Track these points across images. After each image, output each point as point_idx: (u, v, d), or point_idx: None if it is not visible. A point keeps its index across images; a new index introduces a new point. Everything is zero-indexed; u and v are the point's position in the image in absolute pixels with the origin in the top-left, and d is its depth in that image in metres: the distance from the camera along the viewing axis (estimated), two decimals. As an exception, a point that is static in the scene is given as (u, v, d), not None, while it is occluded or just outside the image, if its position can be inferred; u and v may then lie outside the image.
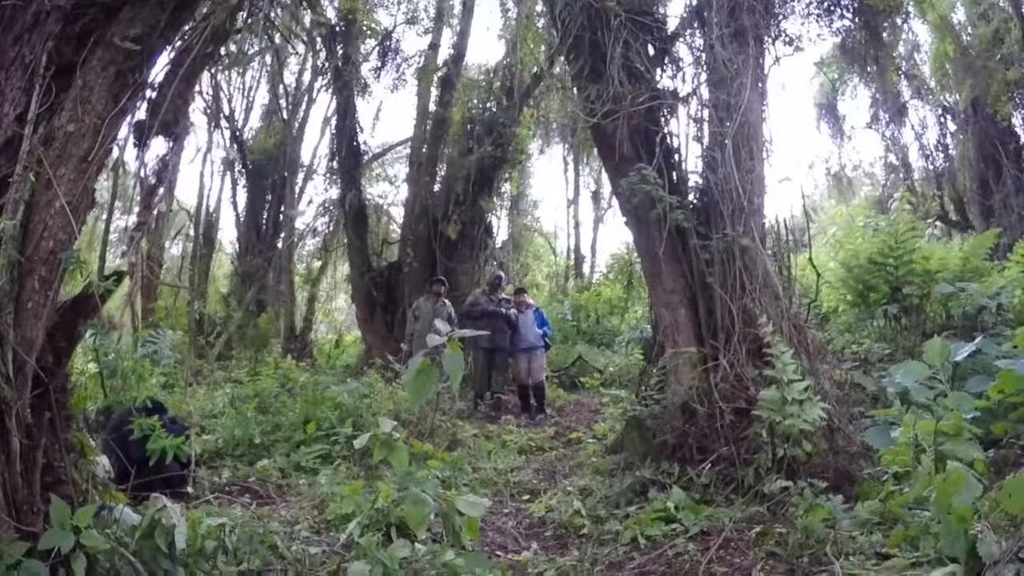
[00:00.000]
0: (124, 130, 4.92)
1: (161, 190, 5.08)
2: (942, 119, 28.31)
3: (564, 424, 13.47)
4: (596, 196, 37.97)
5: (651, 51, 9.44)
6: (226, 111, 27.39)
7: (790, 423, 6.67)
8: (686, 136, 9.22)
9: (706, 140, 8.79)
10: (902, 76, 28.39)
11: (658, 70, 9.48)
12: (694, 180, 8.96)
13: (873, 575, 4.73)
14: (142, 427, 5.58)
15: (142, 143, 5.04)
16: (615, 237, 71.18)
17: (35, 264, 4.30)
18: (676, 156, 9.12)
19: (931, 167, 29.04)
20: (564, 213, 51.91)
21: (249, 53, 26.30)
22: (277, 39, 24.39)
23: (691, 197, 8.83)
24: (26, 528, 4.14)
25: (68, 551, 4.17)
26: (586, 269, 36.31)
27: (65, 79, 4.61)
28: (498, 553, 6.44)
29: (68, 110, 4.51)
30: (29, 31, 4.50)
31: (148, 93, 5.03)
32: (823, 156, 34.22)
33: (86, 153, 4.50)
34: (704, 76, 9.19)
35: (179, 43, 5.23)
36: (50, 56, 4.52)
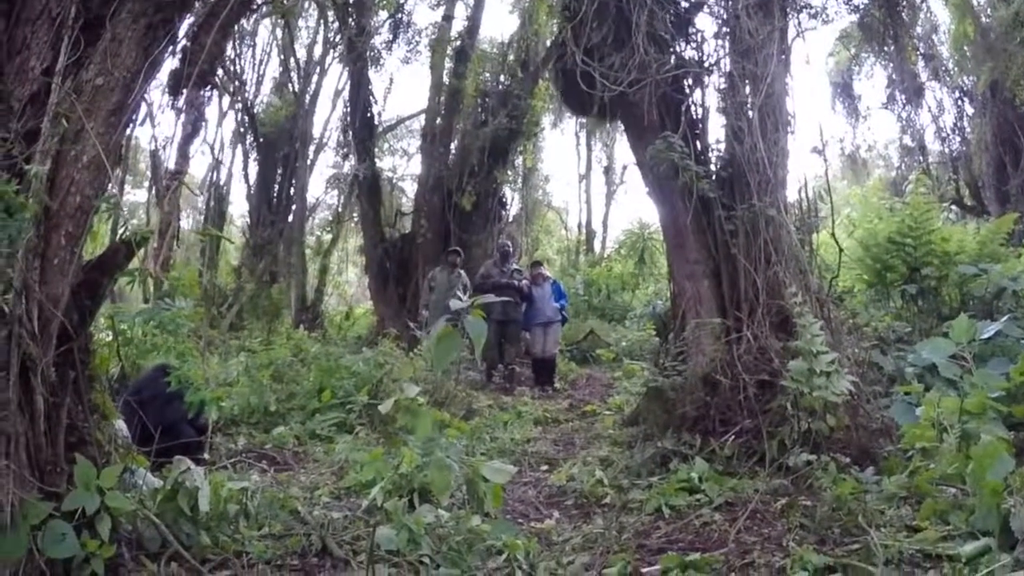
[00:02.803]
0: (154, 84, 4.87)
1: (197, 140, 5.01)
2: (959, 102, 27.98)
3: (578, 397, 13.47)
4: (608, 171, 37.93)
5: (674, 20, 9.33)
6: (237, 81, 27.26)
7: (818, 395, 6.59)
8: (705, 107, 9.18)
9: (731, 111, 8.68)
10: (920, 57, 28.10)
11: (681, 40, 9.39)
12: (718, 151, 8.87)
13: (906, 547, 4.66)
14: (179, 379, 5.55)
15: (177, 92, 4.97)
16: (626, 213, 71.33)
17: (62, 219, 4.24)
18: (700, 126, 9.03)
19: (947, 150, 28.75)
20: (575, 188, 51.85)
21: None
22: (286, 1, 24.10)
23: (715, 167, 8.74)
24: (49, 488, 4.09)
25: (93, 512, 4.13)
26: (597, 245, 36.31)
27: (93, 32, 4.53)
28: (520, 521, 6.40)
29: (96, 63, 4.44)
30: (57, -17, 4.42)
31: (183, 43, 4.96)
32: (837, 135, 33.78)
33: (115, 107, 4.43)
34: (728, 46, 9.08)
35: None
36: (78, 9, 4.44)
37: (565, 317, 15.67)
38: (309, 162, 27.50)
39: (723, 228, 8.25)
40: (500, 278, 14.34)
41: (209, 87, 5.07)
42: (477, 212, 20.22)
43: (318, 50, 28.58)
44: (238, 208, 34.17)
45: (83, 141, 4.30)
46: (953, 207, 25.76)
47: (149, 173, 26.46)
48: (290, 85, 28.43)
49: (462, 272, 15.13)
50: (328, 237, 29.76)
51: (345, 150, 24.55)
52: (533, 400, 12.60)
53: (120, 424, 6.18)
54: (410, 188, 27.62)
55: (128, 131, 4.78)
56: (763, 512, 5.83)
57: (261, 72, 29.26)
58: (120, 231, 4.67)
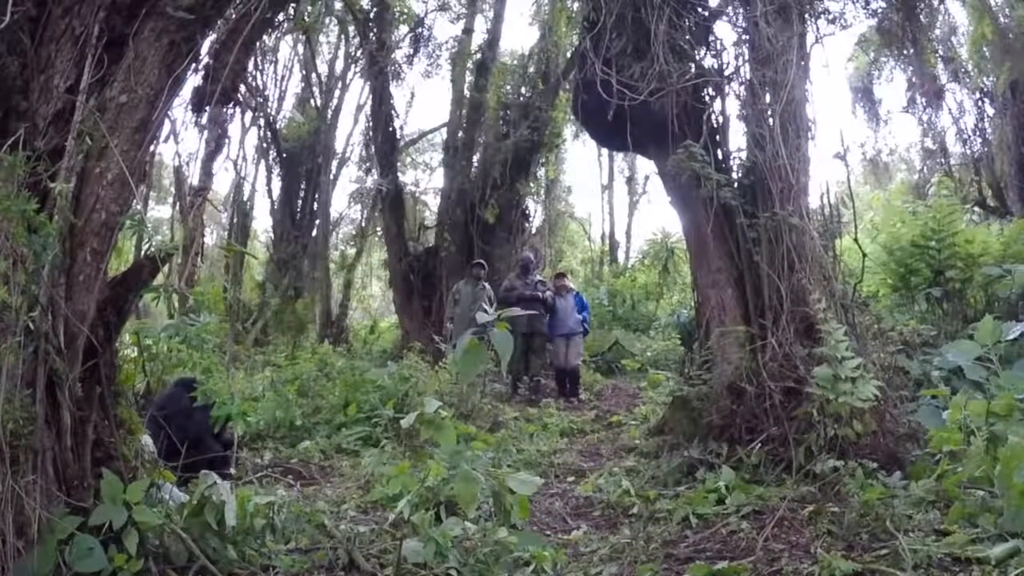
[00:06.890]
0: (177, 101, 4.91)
1: (221, 156, 5.05)
2: (980, 103, 27.74)
3: (603, 408, 13.42)
4: (630, 181, 37.88)
5: (693, 29, 9.33)
6: (260, 97, 27.41)
7: (843, 400, 6.56)
8: (725, 115, 9.16)
9: (752, 118, 8.66)
10: (939, 59, 27.93)
11: (701, 49, 9.39)
12: (739, 158, 8.85)
13: (935, 551, 4.63)
14: (204, 394, 5.57)
15: (200, 109, 5.02)
16: (649, 223, 71.28)
17: (87, 236, 4.29)
18: (721, 135, 9.01)
19: (968, 152, 28.49)
20: (598, 199, 51.73)
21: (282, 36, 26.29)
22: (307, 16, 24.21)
23: (736, 175, 8.72)
24: (76, 503, 4.12)
25: (120, 527, 4.15)
26: (621, 255, 36.27)
27: (117, 50, 4.58)
28: (547, 532, 6.40)
29: (120, 81, 4.49)
30: (79, 2, 4.46)
31: (205, 60, 5.00)
32: (858, 141, 33.55)
33: (139, 124, 4.48)
34: (747, 54, 9.06)
35: (238, 8, 5.18)
36: (101, 28, 4.48)
37: (587, 329, 15.63)
38: (332, 177, 27.62)
39: (746, 236, 8.22)
40: (524, 290, 14.33)
41: (232, 104, 5.12)
42: (500, 224, 20.19)
43: (339, 65, 28.75)
44: (262, 223, 34.35)
45: (107, 158, 4.34)
46: (976, 209, 25.57)
47: (173, 189, 26.68)
48: (312, 100, 28.58)
49: (486, 285, 15.06)
50: (352, 251, 29.91)
51: (368, 164, 24.70)
52: (559, 411, 12.58)
53: (146, 439, 6.21)
54: (433, 202, 27.78)
55: (152, 148, 4.82)
56: (791, 519, 5.80)
57: (283, 88, 29.45)
58: (145, 247, 4.72)
